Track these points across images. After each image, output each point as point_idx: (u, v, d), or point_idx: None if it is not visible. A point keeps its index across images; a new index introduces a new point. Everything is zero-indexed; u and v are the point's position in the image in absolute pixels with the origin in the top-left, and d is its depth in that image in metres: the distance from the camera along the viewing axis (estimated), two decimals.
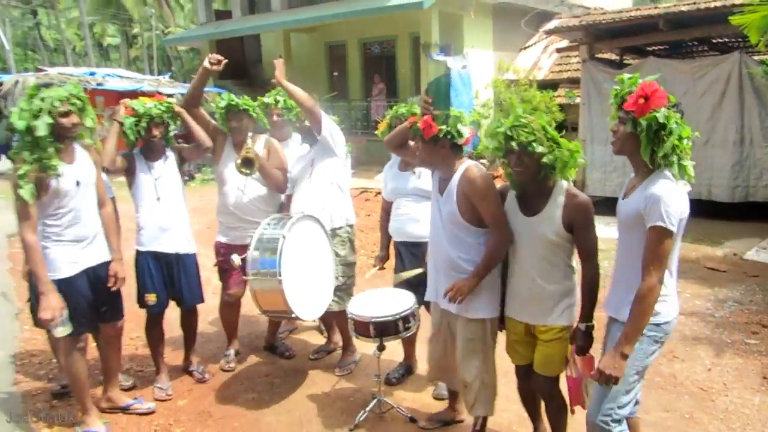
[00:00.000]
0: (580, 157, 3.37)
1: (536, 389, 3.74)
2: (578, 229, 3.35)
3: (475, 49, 16.78)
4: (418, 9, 14.97)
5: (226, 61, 4.61)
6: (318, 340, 6.01)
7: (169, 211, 4.73)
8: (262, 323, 6.27)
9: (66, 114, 3.90)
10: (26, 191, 3.75)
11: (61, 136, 3.93)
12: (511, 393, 4.21)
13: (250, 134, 4.89)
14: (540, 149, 3.30)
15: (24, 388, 5.12)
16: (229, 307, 5.37)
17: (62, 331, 3.96)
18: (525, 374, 3.76)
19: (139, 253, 4.74)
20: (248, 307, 5.37)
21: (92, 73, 18.94)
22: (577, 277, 3.47)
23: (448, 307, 3.80)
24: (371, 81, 18.71)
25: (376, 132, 5.04)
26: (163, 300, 4.81)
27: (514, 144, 3.33)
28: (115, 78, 18.86)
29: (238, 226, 5.06)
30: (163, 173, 4.73)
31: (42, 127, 3.79)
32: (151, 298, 4.73)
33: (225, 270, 5.18)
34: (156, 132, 4.65)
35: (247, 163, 4.75)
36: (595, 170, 11.51)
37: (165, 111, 4.68)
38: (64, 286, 3.96)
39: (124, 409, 4.62)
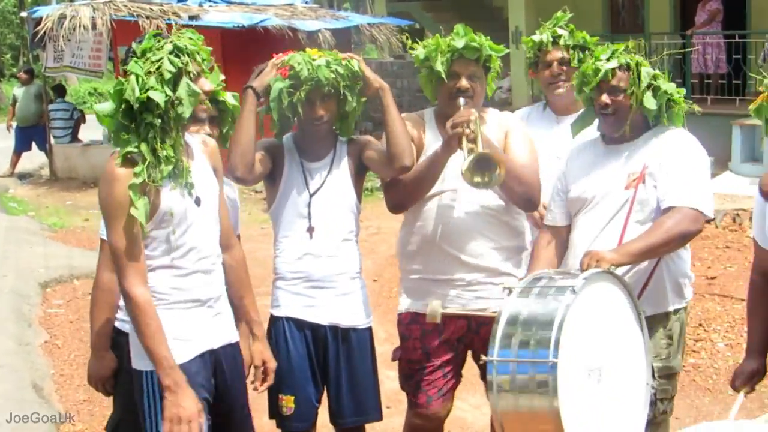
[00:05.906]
0: None
1: None
2: None
3: None
4: None
5: None
6: None
7: (330, 252, 3.34)
8: None
9: (197, 76, 2.86)
10: (141, 208, 2.70)
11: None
12: None
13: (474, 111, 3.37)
14: None
15: None
16: None
17: None
18: None
19: (273, 321, 3.41)
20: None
21: None
22: None
23: None
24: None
25: (750, 108, 2.99)
26: (310, 408, 3.39)
27: None
28: (221, 5, 12.54)
29: (446, 279, 3.41)
30: (326, 184, 3.36)
31: (186, 99, 2.67)
32: (288, 403, 3.36)
33: (414, 367, 3.57)
34: (322, 111, 3.26)
35: (485, 165, 3.07)
36: None
37: (344, 74, 3.24)
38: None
39: None
